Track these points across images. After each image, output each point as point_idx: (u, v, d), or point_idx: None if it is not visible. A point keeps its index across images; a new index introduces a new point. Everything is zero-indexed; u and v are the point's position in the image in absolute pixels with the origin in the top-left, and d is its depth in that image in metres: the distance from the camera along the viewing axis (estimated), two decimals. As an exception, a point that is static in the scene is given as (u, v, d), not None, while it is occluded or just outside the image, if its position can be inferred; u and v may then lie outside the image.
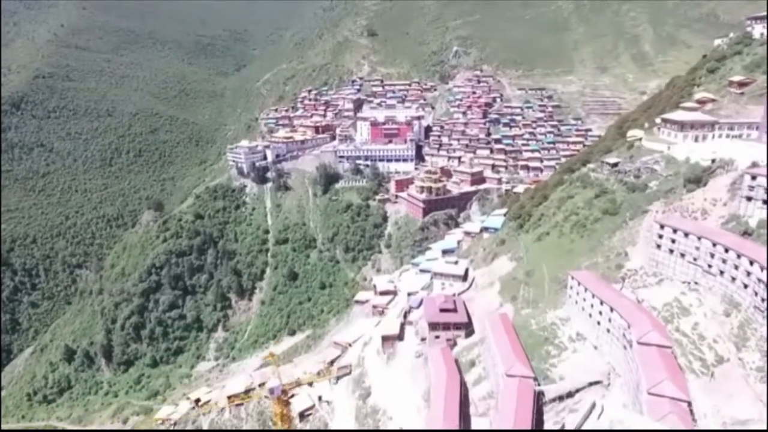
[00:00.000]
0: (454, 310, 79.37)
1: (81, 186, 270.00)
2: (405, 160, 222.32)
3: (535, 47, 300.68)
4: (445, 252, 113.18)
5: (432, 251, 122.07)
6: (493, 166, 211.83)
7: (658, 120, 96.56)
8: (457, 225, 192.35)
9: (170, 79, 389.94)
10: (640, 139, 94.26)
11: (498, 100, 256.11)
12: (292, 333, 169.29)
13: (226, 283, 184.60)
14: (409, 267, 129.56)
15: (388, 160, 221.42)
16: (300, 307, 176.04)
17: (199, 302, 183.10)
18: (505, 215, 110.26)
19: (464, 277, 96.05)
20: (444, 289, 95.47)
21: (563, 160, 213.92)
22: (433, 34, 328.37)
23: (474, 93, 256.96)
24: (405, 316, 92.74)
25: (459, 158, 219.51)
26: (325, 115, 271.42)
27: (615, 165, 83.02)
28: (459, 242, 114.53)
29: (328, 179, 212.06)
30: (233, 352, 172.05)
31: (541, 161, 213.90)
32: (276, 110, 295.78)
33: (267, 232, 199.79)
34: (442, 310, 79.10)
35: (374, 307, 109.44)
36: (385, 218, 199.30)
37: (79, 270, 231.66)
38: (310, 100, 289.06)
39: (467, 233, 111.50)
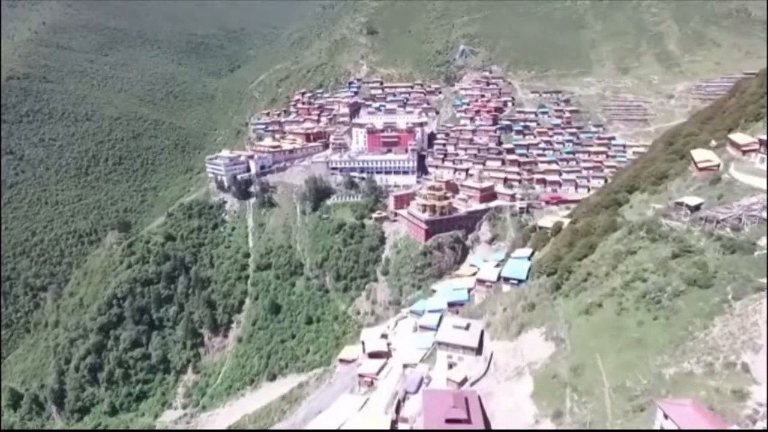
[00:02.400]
0: (467, 421, 54.70)
1: (52, 198, 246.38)
2: (406, 172, 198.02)
3: (548, 46, 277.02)
4: (451, 305, 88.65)
5: (435, 297, 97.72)
6: (506, 180, 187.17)
7: (742, 139, 71.71)
8: (464, 249, 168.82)
9: (157, 81, 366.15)
10: (718, 166, 69.56)
11: (509, 104, 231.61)
12: (272, 378, 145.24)
13: (198, 316, 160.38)
14: (406, 315, 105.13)
15: (387, 173, 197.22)
16: (282, 346, 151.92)
17: (166, 339, 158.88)
18: (530, 258, 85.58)
19: (478, 349, 71.51)
20: (452, 366, 71.19)
21: (584, 172, 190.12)
22: (438, 32, 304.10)
23: (483, 96, 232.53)
24: (398, 408, 68.25)
25: (467, 170, 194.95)
26: (318, 121, 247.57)
27: (697, 208, 58.17)
28: (470, 292, 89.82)
29: (319, 194, 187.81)
30: (204, 399, 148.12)
31: (560, 174, 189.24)
32: (267, 114, 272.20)
33: (247, 255, 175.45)
34: (450, 421, 54.52)
35: (361, 376, 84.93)
36: (382, 240, 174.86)
37: (44, 293, 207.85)
38: (303, 103, 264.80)
39: (481, 281, 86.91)
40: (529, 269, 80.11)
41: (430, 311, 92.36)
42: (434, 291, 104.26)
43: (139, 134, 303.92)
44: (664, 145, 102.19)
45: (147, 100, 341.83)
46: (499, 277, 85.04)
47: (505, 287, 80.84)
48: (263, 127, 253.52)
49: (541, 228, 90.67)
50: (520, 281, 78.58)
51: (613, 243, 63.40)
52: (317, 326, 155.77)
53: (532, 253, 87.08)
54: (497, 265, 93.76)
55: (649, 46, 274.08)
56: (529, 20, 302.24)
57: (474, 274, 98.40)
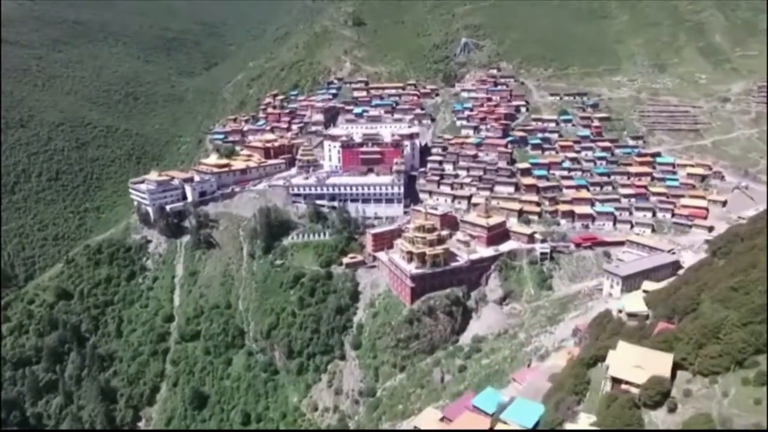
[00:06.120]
0: None
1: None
2: (390, 200, 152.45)
3: (567, 39, 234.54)
4: None
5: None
6: (521, 213, 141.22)
7: None
8: (465, 312, 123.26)
9: (116, 80, 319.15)
10: None
11: (522, 109, 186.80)
12: None
13: (90, 413, 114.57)
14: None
15: (365, 200, 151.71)
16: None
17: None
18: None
19: None
20: None
21: (624, 201, 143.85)
22: (436, 22, 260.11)
23: (489, 100, 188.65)
24: None
25: (469, 198, 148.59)
26: (289, 129, 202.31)
27: None
28: None
29: (273, 231, 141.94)
30: None
31: (592, 204, 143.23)
32: (235, 120, 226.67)
33: (170, 319, 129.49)
34: None
35: None
36: (354, 296, 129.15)
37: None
38: (274, 107, 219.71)
39: None
40: None
41: None
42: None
43: (85, 143, 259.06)
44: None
45: (100, 102, 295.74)
46: None
47: None
48: (222, 137, 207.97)
49: (621, 386, 44.09)
50: None
51: None
52: (257, 429, 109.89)
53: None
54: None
55: (689, 39, 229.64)
56: (542, 8, 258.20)
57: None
